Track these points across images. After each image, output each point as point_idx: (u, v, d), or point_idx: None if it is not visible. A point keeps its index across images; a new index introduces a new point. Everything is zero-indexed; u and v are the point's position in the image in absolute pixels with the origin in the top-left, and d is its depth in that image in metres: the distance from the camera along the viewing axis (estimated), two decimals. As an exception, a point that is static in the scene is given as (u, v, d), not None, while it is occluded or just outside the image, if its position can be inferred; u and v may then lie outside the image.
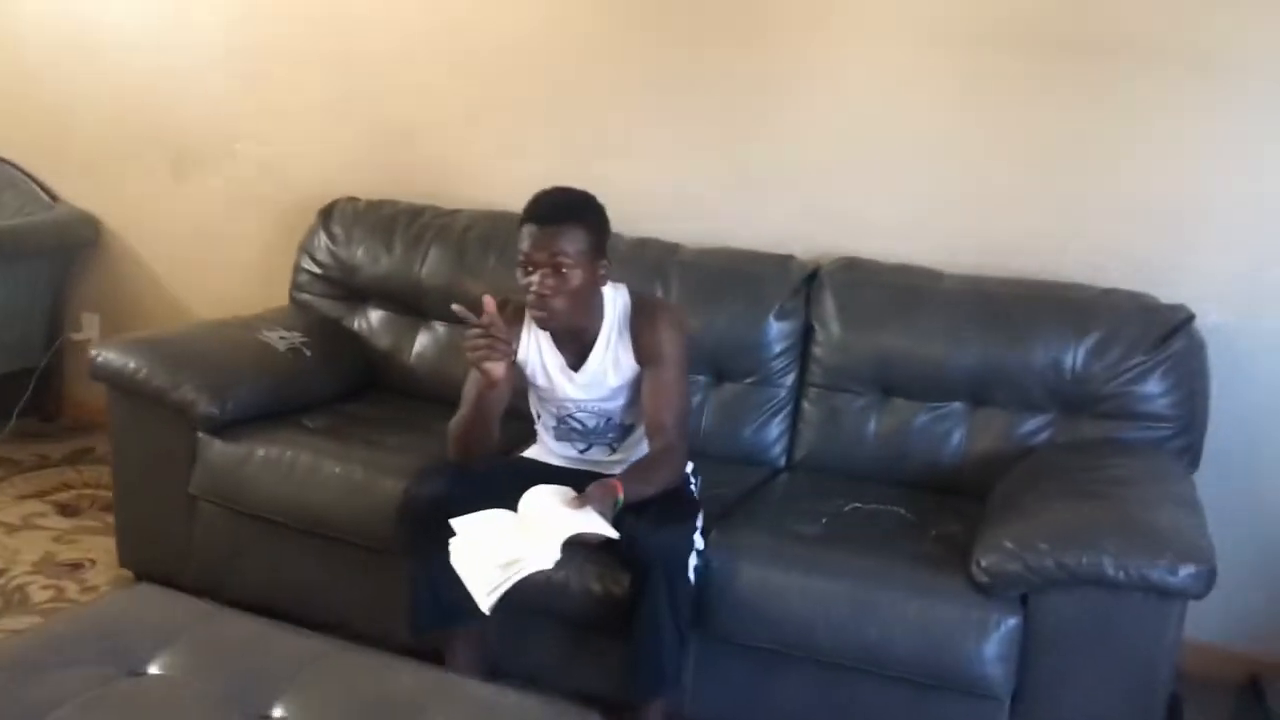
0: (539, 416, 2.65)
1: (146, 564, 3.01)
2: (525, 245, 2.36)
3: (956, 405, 2.83)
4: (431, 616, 2.38)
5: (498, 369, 2.29)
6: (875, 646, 2.29)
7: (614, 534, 2.17)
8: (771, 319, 2.93)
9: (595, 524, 2.16)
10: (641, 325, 2.49)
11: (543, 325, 2.42)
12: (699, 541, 2.39)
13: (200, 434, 2.81)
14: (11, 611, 2.90)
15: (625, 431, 2.59)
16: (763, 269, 3.00)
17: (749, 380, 2.97)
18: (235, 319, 3.19)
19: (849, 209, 3.10)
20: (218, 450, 2.80)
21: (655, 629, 2.29)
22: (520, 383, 2.56)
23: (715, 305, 2.96)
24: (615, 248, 3.06)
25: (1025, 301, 2.80)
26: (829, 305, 2.92)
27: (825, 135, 3.10)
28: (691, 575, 2.34)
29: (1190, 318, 2.70)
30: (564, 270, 2.34)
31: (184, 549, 2.90)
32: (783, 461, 2.95)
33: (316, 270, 3.37)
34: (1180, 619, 2.19)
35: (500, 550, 2.13)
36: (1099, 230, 2.89)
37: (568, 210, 2.40)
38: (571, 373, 2.51)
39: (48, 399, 4.08)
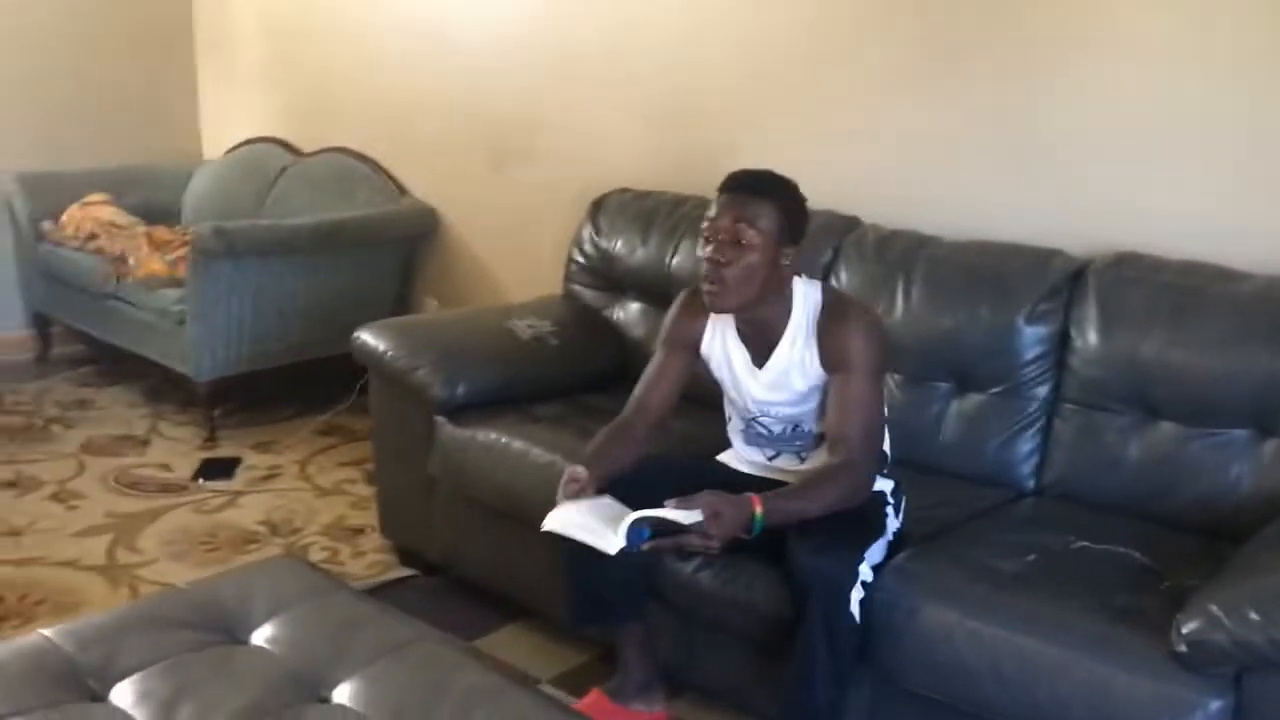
0: (730, 419, 2.50)
1: (401, 536, 3.19)
2: (711, 212, 2.24)
3: (1239, 434, 2.35)
4: (586, 612, 2.35)
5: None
6: (1046, 712, 1.94)
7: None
8: (1023, 321, 2.58)
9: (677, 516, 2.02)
10: (831, 327, 2.27)
11: (713, 302, 2.25)
12: (866, 572, 2.14)
13: (436, 417, 2.92)
14: (288, 568, 3.17)
15: (816, 440, 2.37)
16: (1019, 264, 2.64)
17: (996, 390, 2.63)
18: (494, 307, 3.29)
19: (1132, 197, 2.66)
20: (448, 433, 2.89)
21: (807, 661, 2.10)
22: (708, 377, 2.44)
23: (961, 304, 2.66)
24: (863, 239, 2.86)
25: (1336, 310, 2.26)
26: (1092, 307, 2.52)
27: (1107, 111, 2.67)
28: (856, 608, 2.10)
29: None
30: (744, 243, 2.19)
31: (427, 525, 3.03)
32: (1030, 484, 2.58)
33: (583, 260, 3.40)
34: None
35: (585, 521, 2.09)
36: None
37: (762, 185, 2.25)
38: (756, 370, 2.35)
39: (392, 376, 4.42)
